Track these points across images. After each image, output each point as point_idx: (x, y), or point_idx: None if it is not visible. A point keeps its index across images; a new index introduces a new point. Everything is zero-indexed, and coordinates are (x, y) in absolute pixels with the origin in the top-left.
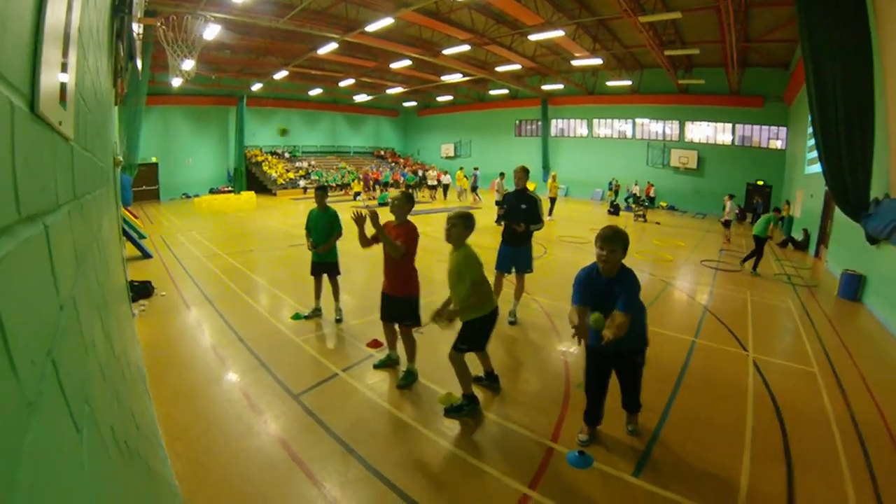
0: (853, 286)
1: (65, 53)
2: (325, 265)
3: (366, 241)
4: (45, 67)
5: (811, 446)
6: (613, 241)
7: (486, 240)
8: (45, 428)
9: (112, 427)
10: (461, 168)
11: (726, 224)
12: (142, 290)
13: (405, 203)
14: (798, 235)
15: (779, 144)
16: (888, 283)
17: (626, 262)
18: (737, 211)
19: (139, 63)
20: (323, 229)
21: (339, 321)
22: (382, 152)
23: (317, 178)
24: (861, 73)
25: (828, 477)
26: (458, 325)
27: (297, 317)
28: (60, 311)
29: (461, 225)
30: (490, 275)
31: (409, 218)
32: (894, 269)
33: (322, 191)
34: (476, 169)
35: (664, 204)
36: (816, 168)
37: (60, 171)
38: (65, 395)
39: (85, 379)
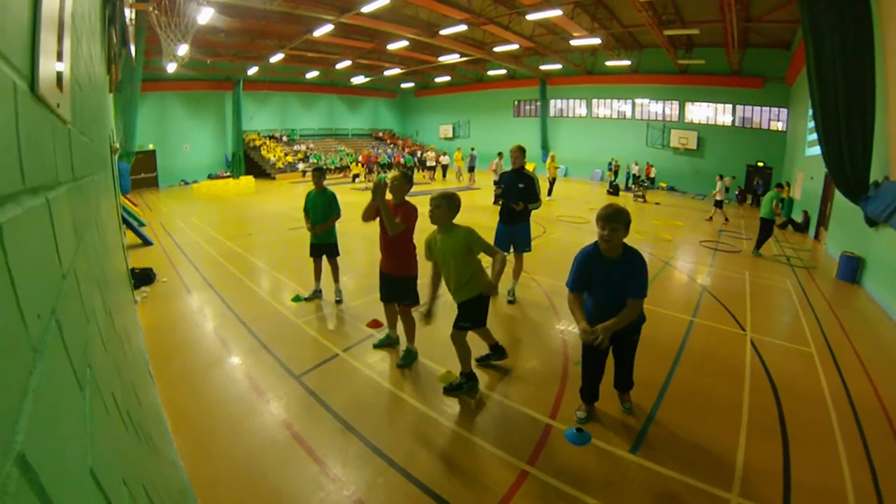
0: (852, 268)
1: (60, 39)
2: (324, 246)
3: (369, 215)
4: (43, 51)
5: (807, 425)
6: (615, 219)
7: (484, 219)
8: (50, 376)
9: (114, 395)
10: (459, 149)
11: (718, 204)
12: (143, 278)
13: (404, 183)
14: (798, 217)
15: (779, 126)
16: (887, 265)
17: (627, 241)
18: (737, 192)
19: (132, 49)
20: (321, 210)
21: (339, 302)
22: (381, 134)
23: (315, 160)
24: (861, 56)
25: (823, 454)
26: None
27: (297, 299)
28: (63, 279)
29: (445, 205)
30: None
31: (407, 199)
32: (893, 251)
33: (319, 172)
34: (472, 149)
35: (664, 184)
36: (816, 150)
37: (60, 152)
38: (68, 353)
39: (86, 346)
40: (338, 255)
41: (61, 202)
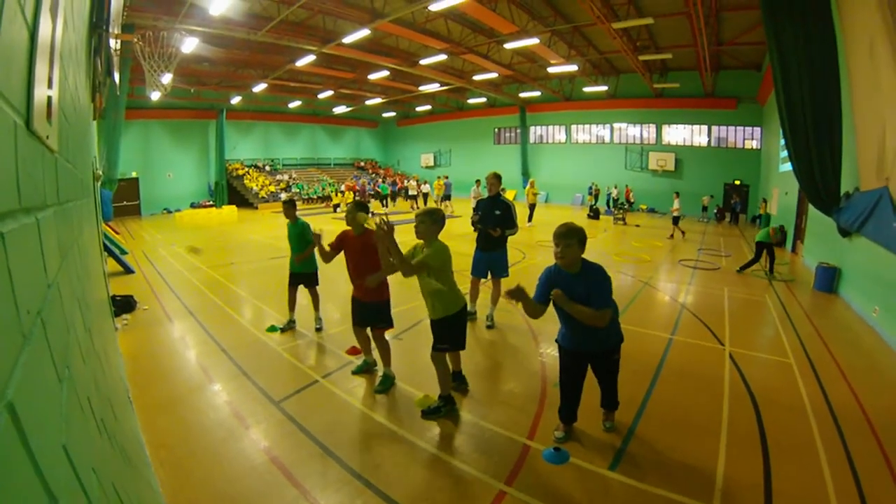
0: (828, 278)
1: (50, 75)
2: (302, 276)
3: (327, 256)
4: (37, 90)
5: (787, 434)
6: (568, 235)
7: (463, 246)
8: (34, 360)
9: (90, 401)
10: (438, 177)
11: (675, 220)
12: (124, 305)
13: (357, 213)
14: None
15: (754, 144)
16: (861, 273)
17: (606, 265)
18: (715, 210)
19: (117, 77)
20: (294, 241)
21: (319, 330)
22: (363, 163)
23: (297, 190)
24: (827, 74)
25: (804, 462)
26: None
27: (273, 329)
28: (48, 288)
29: (428, 220)
30: (467, 280)
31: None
32: (866, 259)
33: (289, 204)
34: (446, 177)
35: (644, 206)
36: (790, 166)
37: (47, 178)
38: (50, 349)
39: (66, 350)
40: (317, 284)
41: (48, 223)
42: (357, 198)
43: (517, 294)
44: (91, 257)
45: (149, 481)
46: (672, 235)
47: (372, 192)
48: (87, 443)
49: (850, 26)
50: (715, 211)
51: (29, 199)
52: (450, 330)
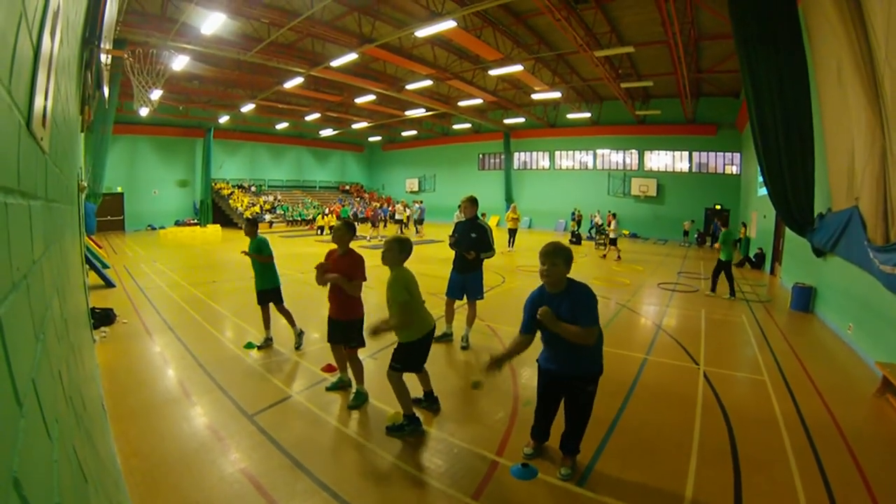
0: (804, 298)
1: (47, 86)
2: (267, 292)
3: (322, 280)
4: (37, 97)
5: (759, 449)
6: (554, 254)
7: (440, 269)
8: (17, 309)
9: (60, 374)
10: (421, 201)
11: (612, 241)
12: (103, 318)
13: (346, 233)
14: (753, 255)
15: (734, 170)
16: (836, 291)
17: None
18: (696, 235)
19: (106, 91)
20: (254, 253)
21: (297, 347)
22: (348, 187)
23: (282, 212)
24: (798, 96)
25: (776, 476)
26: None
27: (250, 346)
28: (33, 263)
29: (396, 248)
30: (441, 301)
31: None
32: (840, 278)
33: (250, 222)
34: (420, 202)
35: (626, 232)
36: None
37: (38, 175)
38: (31, 309)
39: (43, 321)
40: (282, 301)
41: (37, 211)
42: (374, 223)
43: (494, 365)
44: (72, 264)
45: (116, 482)
46: (605, 255)
47: (385, 216)
48: (53, 398)
49: (819, 51)
50: (696, 235)
51: (25, 186)
52: (409, 354)
